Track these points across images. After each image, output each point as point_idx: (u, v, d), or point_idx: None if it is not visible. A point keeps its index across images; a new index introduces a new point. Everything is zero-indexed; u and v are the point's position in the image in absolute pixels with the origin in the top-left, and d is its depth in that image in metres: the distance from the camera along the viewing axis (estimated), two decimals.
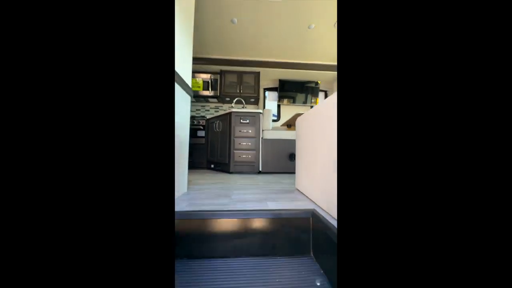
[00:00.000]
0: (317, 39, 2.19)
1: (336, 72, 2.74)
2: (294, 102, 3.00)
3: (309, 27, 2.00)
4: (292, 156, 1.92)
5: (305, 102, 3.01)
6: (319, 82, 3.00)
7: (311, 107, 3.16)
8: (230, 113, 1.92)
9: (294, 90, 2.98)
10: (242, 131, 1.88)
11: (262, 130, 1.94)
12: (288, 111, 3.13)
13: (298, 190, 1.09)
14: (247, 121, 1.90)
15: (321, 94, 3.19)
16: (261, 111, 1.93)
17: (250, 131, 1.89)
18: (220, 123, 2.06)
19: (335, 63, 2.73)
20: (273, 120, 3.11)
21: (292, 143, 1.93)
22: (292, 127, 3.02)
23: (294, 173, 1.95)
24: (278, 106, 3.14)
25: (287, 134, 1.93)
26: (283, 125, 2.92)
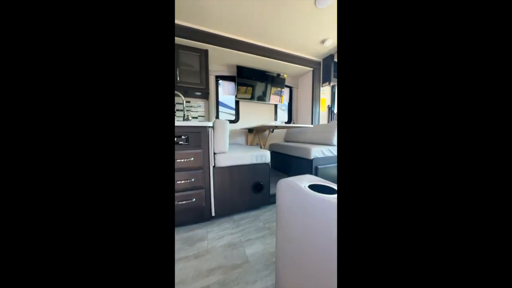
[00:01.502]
0: (294, 14, 1.54)
1: (303, 67, 2.26)
2: (252, 96, 2.34)
3: None
4: (257, 187, 1.37)
5: (264, 95, 2.41)
6: (284, 76, 2.47)
7: (276, 106, 2.64)
8: None
9: (254, 78, 2.32)
10: (178, 160, 1.10)
11: (214, 154, 1.23)
12: (248, 110, 2.47)
13: None
14: (186, 141, 1.12)
15: (286, 90, 2.71)
16: (210, 123, 1.18)
17: (192, 158, 1.13)
18: None
19: (308, 56, 2.23)
20: (230, 121, 2.39)
21: (257, 167, 1.36)
22: (254, 131, 2.44)
23: (260, 208, 1.44)
24: (237, 102, 2.40)
25: (251, 155, 1.33)
26: (243, 128, 2.28)
